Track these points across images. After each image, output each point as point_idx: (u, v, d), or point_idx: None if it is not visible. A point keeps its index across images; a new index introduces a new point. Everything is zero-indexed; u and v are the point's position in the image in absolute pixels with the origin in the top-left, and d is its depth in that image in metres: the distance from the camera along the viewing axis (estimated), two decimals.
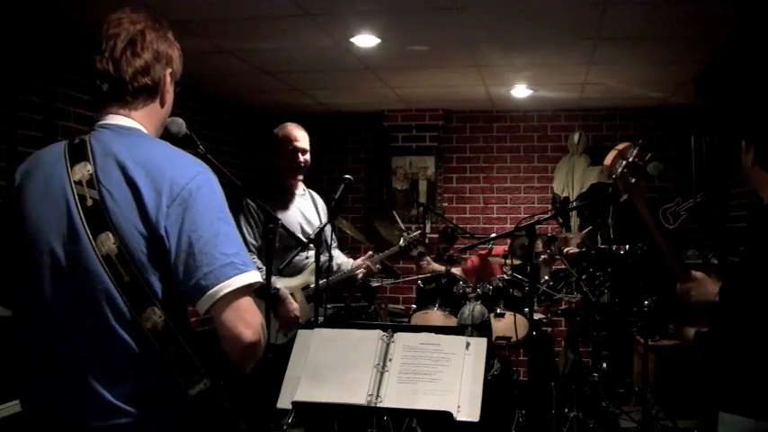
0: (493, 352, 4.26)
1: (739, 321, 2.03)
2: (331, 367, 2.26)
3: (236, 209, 3.31)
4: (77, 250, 1.42)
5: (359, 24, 4.01)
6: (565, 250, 4.76)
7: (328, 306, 3.59)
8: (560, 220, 6.12)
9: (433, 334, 2.30)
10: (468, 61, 4.82)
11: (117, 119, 1.53)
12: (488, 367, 3.36)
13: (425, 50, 4.53)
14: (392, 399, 2.17)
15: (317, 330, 2.39)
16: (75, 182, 1.44)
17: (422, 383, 2.18)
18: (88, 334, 1.42)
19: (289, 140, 3.59)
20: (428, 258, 5.08)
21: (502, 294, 4.46)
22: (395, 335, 2.31)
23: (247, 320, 1.41)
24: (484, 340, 2.28)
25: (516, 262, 4.77)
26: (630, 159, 2.19)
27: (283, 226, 3.18)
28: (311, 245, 3.20)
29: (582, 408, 4.16)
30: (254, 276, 1.44)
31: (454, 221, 6.09)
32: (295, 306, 3.44)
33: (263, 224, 3.49)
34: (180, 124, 1.96)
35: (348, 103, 6.38)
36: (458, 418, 2.09)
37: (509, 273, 4.67)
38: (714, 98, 5.24)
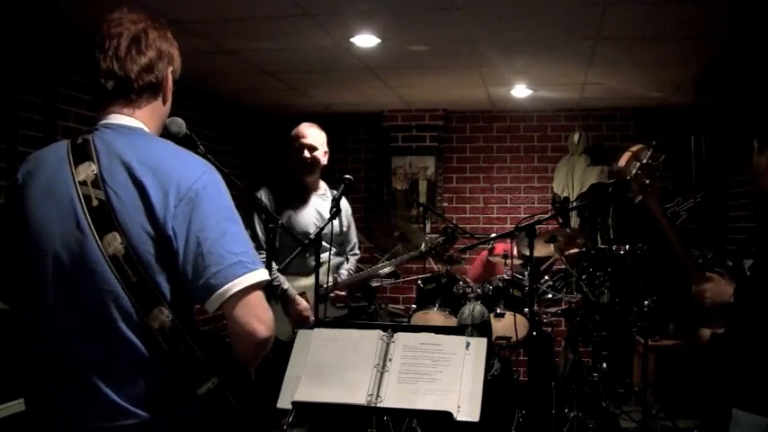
0: (493, 352, 4.26)
1: (755, 322, 2.04)
2: (331, 367, 2.26)
3: (248, 207, 3.30)
4: (83, 251, 1.41)
5: (359, 24, 4.01)
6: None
7: (342, 305, 3.60)
8: (560, 220, 6.11)
9: (433, 334, 2.30)
10: (468, 61, 4.82)
11: (120, 118, 1.53)
12: (488, 367, 3.36)
13: (425, 50, 4.53)
14: (392, 399, 2.17)
15: (317, 330, 2.39)
16: (79, 182, 1.44)
17: (422, 383, 2.18)
18: (94, 335, 1.41)
19: (297, 138, 3.59)
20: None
21: (502, 294, 4.46)
22: (395, 335, 2.31)
23: (260, 316, 1.43)
24: (484, 340, 2.28)
25: (517, 262, 4.77)
26: (644, 161, 2.19)
27: (283, 226, 3.18)
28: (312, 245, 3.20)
29: (582, 408, 4.16)
30: (262, 274, 1.45)
31: (454, 221, 6.09)
32: (305, 305, 3.44)
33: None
34: (180, 124, 1.96)
35: (348, 103, 6.38)
36: (458, 418, 2.09)
37: (509, 273, 4.67)
38: (714, 98, 5.24)
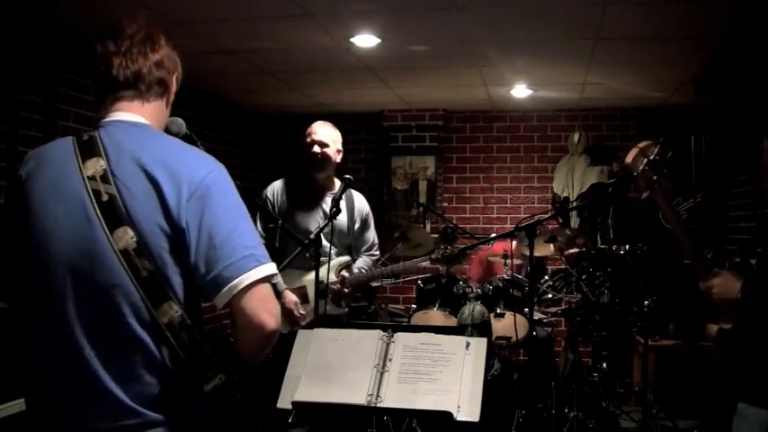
0: (493, 352, 4.25)
1: (762, 317, 2.05)
2: (331, 367, 2.26)
3: (249, 206, 3.29)
4: (92, 246, 1.41)
5: (359, 24, 4.01)
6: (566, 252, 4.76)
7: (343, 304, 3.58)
8: (560, 220, 6.11)
9: (433, 334, 2.30)
10: (468, 61, 4.82)
11: (126, 115, 1.54)
12: (488, 367, 3.36)
13: (425, 50, 4.53)
14: (392, 399, 2.17)
15: (317, 330, 2.39)
16: (88, 177, 1.44)
17: (422, 383, 2.18)
18: (101, 331, 1.41)
19: (307, 134, 3.57)
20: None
21: (502, 294, 4.46)
22: (395, 335, 2.31)
23: (269, 309, 1.45)
24: (484, 340, 2.28)
25: (517, 262, 4.77)
26: (652, 157, 2.20)
27: (283, 226, 3.18)
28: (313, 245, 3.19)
29: (582, 408, 4.16)
30: (272, 268, 1.48)
31: (454, 221, 6.09)
32: (291, 299, 3.42)
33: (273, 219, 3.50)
34: (180, 124, 1.96)
35: (348, 103, 6.38)
36: (458, 418, 2.09)
37: (509, 273, 4.67)
38: (714, 98, 5.24)
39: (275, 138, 6.82)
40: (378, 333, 2.31)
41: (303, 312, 3.42)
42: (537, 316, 4.54)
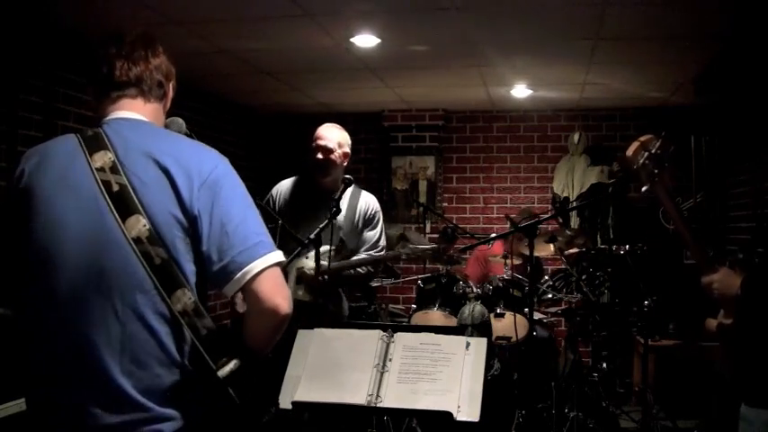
0: (493, 352, 4.25)
1: (763, 315, 2.04)
2: (331, 367, 2.26)
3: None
4: (104, 236, 1.42)
5: (359, 24, 4.01)
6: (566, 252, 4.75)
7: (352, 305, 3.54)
8: (560, 220, 6.11)
9: (433, 334, 2.30)
10: (468, 61, 4.82)
11: (128, 113, 1.57)
12: (488, 367, 3.35)
13: (425, 50, 4.53)
14: (392, 399, 2.17)
15: (317, 330, 2.39)
16: (97, 169, 1.46)
17: (422, 383, 2.18)
18: (112, 322, 1.41)
19: (313, 139, 3.56)
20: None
21: (502, 294, 4.46)
22: (395, 335, 2.31)
23: (283, 293, 1.48)
24: (484, 340, 2.28)
25: (517, 261, 4.77)
26: (653, 151, 2.19)
27: (283, 226, 3.18)
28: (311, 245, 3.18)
29: (582, 408, 4.16)
30: (281, 255, 1.52)
31: (454, 221, 6.09)
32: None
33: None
34: (180, 124, 1.97)
35: (348, 103, 6.38)
36: (458, 418, 2.09)
37: (509, 273, 4.67)
38: (714, 98, 5.24)
39: (275, 138, 6.82)
40: (378, 333, 2.31)
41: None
42: (537, 316, 4.54)
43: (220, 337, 1.45)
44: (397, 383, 2.19)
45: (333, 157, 3.53)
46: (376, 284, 5.24)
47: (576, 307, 4.74)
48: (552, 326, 5.12)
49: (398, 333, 2.32)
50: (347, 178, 3.35)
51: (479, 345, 2.25)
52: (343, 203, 3.58)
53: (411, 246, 3.83)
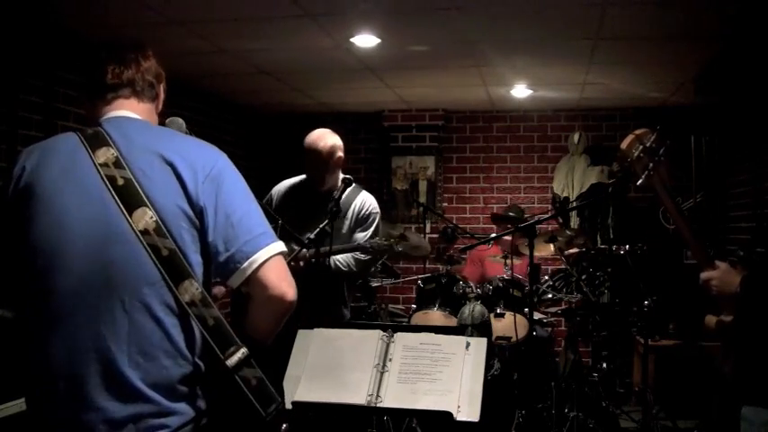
0: (493, 352, 4.25)
1: (762, 314, 2.04)
2: (331, 367, 2.26)
3: None
4: (111, 229, 1.43)
5: (359, 24, 4.01)
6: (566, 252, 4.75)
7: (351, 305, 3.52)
8: (560, 220, 6.12)
9: (432, 334, 2.31)
10: (468, 61, 4.82)
11: (124, 112, 1.60)
12: (488, 367, 3.35)
13: (425, 50, 4.53)
14: (392, 399, 2.17)
15: (317, 330, 2.39)
16: (100, 164, 1.47)
17: (422, 383, 2.18)
18: (119, 315, 1.41)
19: (305, 151, 3.55)
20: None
21: (502, 294, 4.46)
22: (395, 335, 2.31)
23: (289, 281, 1.52)
24: (484, 340, 2.28)
25: (517, 261, 4.77)
26: (648, 144, 2.20)
27: (283, 226, 3.18)
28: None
29: (582, 408, 4.16)
30: (284, 246, 1.57)
31: (454, 221, 6.10)
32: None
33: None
34: (180, 124, 1.97)
35: (348, 103, 6.38)
36: (458, 418, 2.09)
37: (509, 273, 4.67)
38: (714, 98, 5.24)
39: (275, 138, 6.82)
40: (378, 333, 2.31)
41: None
42: (537, 316, 4.54)
43: (228, 328, 1.46)
44: (397, 383, 2.19)
45: (325, 166, 3.53)
46: (376, 284, 5.24)
47: (575, 307, 4.74)
48: (552, 326, 5.12)
49: (398, 333, 2.32)
50: (347, 178, 3.35)
51: (479, 345, 2.26)
52: (356, 206, 3.59)
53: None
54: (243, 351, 1.45)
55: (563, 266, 4.84)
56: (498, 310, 4.36)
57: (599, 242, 6.00)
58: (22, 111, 3.87)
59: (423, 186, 6.69)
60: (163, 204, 1.45)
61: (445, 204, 6.77)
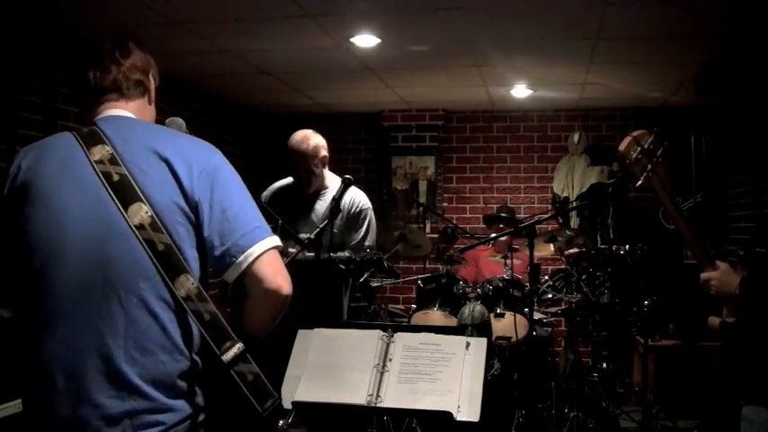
0: (493, 352, 4.25)
1: (762, 315, 2.04)
2: (331, 367, 2.26)
3: None
4: (107, 225, 1.44)
5: (359, 24, 4.01)
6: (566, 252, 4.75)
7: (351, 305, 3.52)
8: (560, 220, 6.12)
9: (433, 334, 2.31)
10: (468, 61, 4.82)
11: (116, 111, 1.61)
12: (488, 367, 3.35)
13: (425, 50, 4.53)
14: (392, 399, 2.17)
15: (317, 330, 2.39)
16: (96, 161, 1.49)
17: (422, 383, 2.18)
18: (116, 309, 1.41)
19: (290, 152, 3.55)
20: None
21: (502, 294, 4.46)
22: (395, 335, 2.31)
23: (285, 274, 1.53)
24: (484, 340, 2.28)
25: (517, 262, 4.77)
26: (645, 146, 2.21)
27: (283, 226, 3.18)
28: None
29: (582, 408, 4.16)
30: (279, 240, 1.57)
31: (454, 221, 6.09)
32: None
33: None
34: (180, 124, 1.97)
35: (348, 103, 6.38)
36: (458, 418, 2.09)
37: (508, 273, 4.67)
38: (714, 98, 5.25)
39: (275, 138, 6.78)
40: (378, 333, 2.31)
41: None
42: (537, 316, 4.54)
43: (224, 323, 1.46)
44: (397, 383, 2.19)
45: (311, 167, 3.53)
46: (376, 284, 5.23)
47: (575, 307, 4.74)
48: (552, 326, 5.12)
49: (398, 333, 2.32)
50: (347, 178, 3.35)
51: (479, 345, 2.25)
52: (328, 199, 3.57)
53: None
54: (239, 346, 1.45)
55: (563, 266, 4.84)
56: (498, 310, 4.36)
57: (599, 242, 5.99)
58: (22, 111, 3.87)
59: (423, 186, 6.69)
60: (158, 200, 1.45)
61: (445, 204, 6.77)
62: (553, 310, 4.90)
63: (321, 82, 5.55)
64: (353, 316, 4.42)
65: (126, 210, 1.44)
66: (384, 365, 2.23)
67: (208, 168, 1.52)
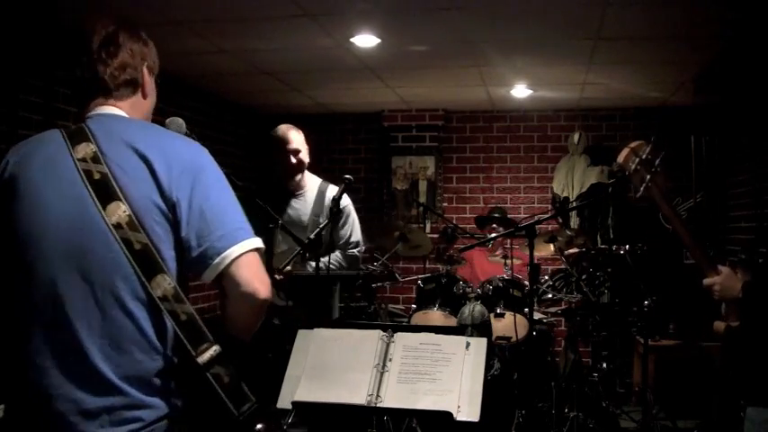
0: (493, 352, 4.25)
1: (765, 319, 2.05)
2: (331, 367, 2.26)
3: (255, 206, 3.32)
4: (85, 223, 1.44)
5: (359, 24, 4.01)
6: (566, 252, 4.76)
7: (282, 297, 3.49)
8: (560, 220, 6.12)
9: (433, 334, 2.30)
10: (468, 61, 4.82)
11: (107, 109, 1.60)
12: (488, 367, 3.35)
13: (425, 50, 4.53)
14: (392, 399, 2.17)
15: (317, 330, 2.39)
16: (79, 159, 1.49)
17: (422, 383, 2.18)
18: (92, 308, 1.42)
19: (282, 143, 3.60)
20: None
21: (502, 294, 4.46)
22: (395, 335, 2.31)
23: (261, 278, 1.50)
24: (484, 340, 2.28)
25: (517, 262, 4.77)
26: (644, 157, 2.21)
27: (283, 226, 3.19)
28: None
29: (582, 408, 4.16)
30: (261, 242, 1.53)
31: (454, 221, 6.09)
32: None
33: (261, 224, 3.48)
34: (180, 124, 1.97)
35: (348, 103, 6.38)
36: (458, 418, 2.09)
37: (508, 273, 4.67)
38: (714, 98, 5.25)
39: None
40: (378, 333, 2.31)
41: None
42: (537, 316, 4.54)
43: (201, 323, 1.45)
44: (397, 383, 2.19)
45: (302, 157, 3.62)
46: (376, 284, 5.24)
47: (575, 307, 4.74)
48: (552, 326, 5.12)
49: (398, 333, 2.32)
50: (347, 178, 3.36)
51: (479, 345, 2.25)
52: (310, 199, 3.59)
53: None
54: (215, 348, 1.44)
55: (563, 266, 4.84)
56: (498, 310, 4.36)
57: (599, 242, 6.00)
58: (22, 111, 3.87)
59: (423, 186, 6.69)
60: (137, 198, 1.45)
61: (445, 204, 6.77)
62: (553, 310, 4.90)
63: (321, 82, 5.55)
64: (353, 316, 4.43)
65: (104, 208, 1.44)
66: (384, 365, 2.23)
67: (190, 168, 1.49)
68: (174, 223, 1.47)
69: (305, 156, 3.63)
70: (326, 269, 3.30)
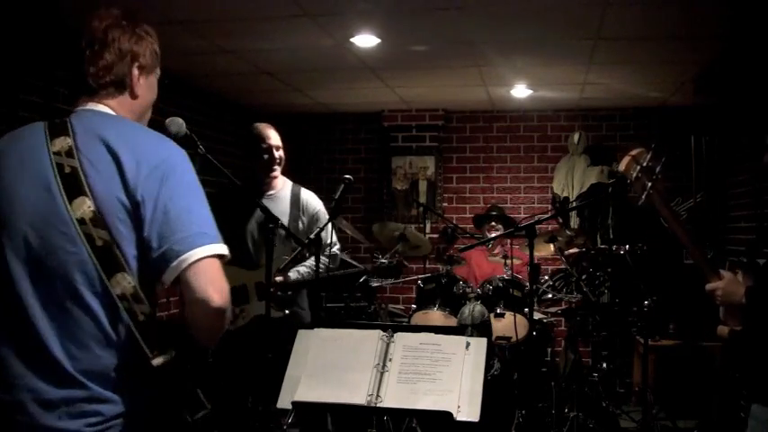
0: (493, 352, 4.25)
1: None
2: (331, 367, 2.26)
3: (254, 205, 3.34)
4: (51, 216, 1.46)
5: (359, 24, 4.01)
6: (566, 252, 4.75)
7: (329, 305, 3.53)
8: (560, 220, 6.12)
9: (432, 334, 2.31)
10: (468, 61, 4.82)
11: (92, 106, 1.60)
12: (488, 367, 3.35)
13: (425, 50, 4.54)
14: (392, 399, 2.17)
15: (317, 330, 2.39)
16: (54, 152, 1.50)
17: (422, 383, 2.18)
18: (53, 301, 1.44)
19: (261, 140, 3.60)
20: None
21: (502, 294, 4.46)
22: (395, 335, 2.31)
23: (217, 285, 1.45)
24: (484, 340, 2.28)
25: (517, 261, 4.77)
26: (644, 164, 2.21)
27: (283, 226, 3.18)
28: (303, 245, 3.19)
29: (582, 408, 4.16)
30: (224, 248, 1.49)
31: (454, 221, 6.09)
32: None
33: (258, 224, 3.48)
34: (180, 124, 1.97)
35: (348, 103, 6.38)
36: (458, 418, 2.09)
37: (509, 273, 4.67)
38: (714, 98, 5.25)
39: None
40: (378, 333, 2.31)
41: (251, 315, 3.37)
42: (537, 316, 4.54)
43: (160, 326, 1.45)
44: (397, 383, 2.19)
45: (281, 153, 3.64)
46: (376, 284, 5.24)
47: (575, 307, 4.74)
48: (552, 326, 5.12)
49: (398, 333, 2.32)
50: (347, 178, 3.35)
51: (479, 345, 2.25)
52: (285, 203, 3.58)
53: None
54: (171, 352, 1.44)
55: (563, 266, 4.84)
56: (498, 310, 4.36)
57: (599, 242, 6.00)
58: (22, 111, 3.87)
59: (423, 186, 6.69)
60: (103, 195, 1.45)
61: (445, 204, 6.77)
62: (553, 310, 4.90)
63: (321, 82, 5.55)
64: (353, 316, 4.42)
65: (71, 203, 1.44)
66: (384, 365, 2.23)
67: (160, 167, 1.47)
68: (138, 222, 1.45)
69: (282, 153, 3.65)
70: (326, 270, 3.30)
